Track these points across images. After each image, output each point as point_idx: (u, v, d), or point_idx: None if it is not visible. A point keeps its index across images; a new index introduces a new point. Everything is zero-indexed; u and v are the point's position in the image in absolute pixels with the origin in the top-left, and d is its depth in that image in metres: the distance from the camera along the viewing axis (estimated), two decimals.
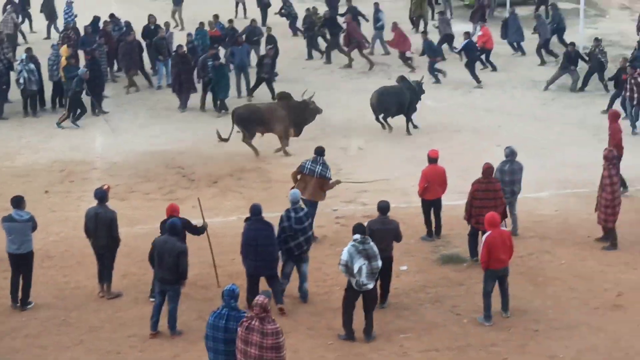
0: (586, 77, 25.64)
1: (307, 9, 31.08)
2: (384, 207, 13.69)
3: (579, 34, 30.10)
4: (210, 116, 23.93)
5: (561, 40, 29.63)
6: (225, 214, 17.23)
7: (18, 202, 13.92)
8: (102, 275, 14.30)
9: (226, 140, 20.86)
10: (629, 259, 15.33)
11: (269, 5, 33.91)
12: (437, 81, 26.74)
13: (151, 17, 28.53)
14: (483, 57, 27.97)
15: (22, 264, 13.89)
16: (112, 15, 29.07)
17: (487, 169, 15.20)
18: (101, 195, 14.12)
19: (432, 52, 27.20)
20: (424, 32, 28.61)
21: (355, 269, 12.34)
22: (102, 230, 13.90)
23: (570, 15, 35.08)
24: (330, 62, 29.10)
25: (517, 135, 21.60)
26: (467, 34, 27.94)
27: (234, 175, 19.65)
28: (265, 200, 17.16)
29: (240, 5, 35.08)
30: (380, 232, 13.32)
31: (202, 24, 28.12)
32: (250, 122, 21.02)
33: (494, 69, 28.07)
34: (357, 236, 12.47)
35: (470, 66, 26.65)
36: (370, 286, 12.56)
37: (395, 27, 28.66)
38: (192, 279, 14.04)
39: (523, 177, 16.21)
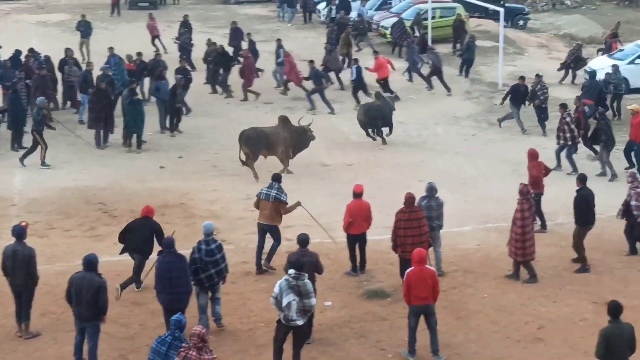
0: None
1: (208, 40, 31.43)
2: (303, 240, 13.86)
3: (498, 71, 30.77)
4: (133, 151, 23.65)
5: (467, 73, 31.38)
6: None
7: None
8: (20, 314, 13.93)
9: (244, 162, 21.66)
10: (549, 292, 15.60)
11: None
12: (332, 111, 27.64)
13: (68, 51, 28.25)
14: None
15: None
16: (31, 50, 28.64)
17: (409, 199, 15.49)
18: (19, 232, 13.80)
19: (317, 79, 27.97)
20: (311, 61, 29.08)
21: (284, 303, 12.34)
22: (20, 269, 13.55)
23: (489, 53, 35.92)
24: (231, 96, 29.19)
25: (439, 170, 21.90)
26: (355, 60, 29.34)
27: (156, 212, 19.32)
28: (188, 236, 17.05)
29: (158, 41, 34.77)
30: (306, 263, 13.33)
31: (120, 58, 27.75)
32: (257, 144, 21.69)
33: (396, 97, 28.80)
34: (292, 271, 12.48)
35: (353, 91, 28.54)
36: (300, 322, 12.50)
37: (287, 55, 29.35)
38: (112, 317, 13.80)
39: (446, 211, 16.37)
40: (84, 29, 34.18)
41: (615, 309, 11.39)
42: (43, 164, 22.35)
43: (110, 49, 28.19)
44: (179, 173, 22.08)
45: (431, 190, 16.03)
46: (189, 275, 13.48)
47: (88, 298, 12.50)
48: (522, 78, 26.24)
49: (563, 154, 22.28)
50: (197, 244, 13.95)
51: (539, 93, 25.38)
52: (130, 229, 15.03)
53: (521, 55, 36.68)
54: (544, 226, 18.52)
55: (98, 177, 21.63)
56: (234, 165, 22.12)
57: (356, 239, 16.21)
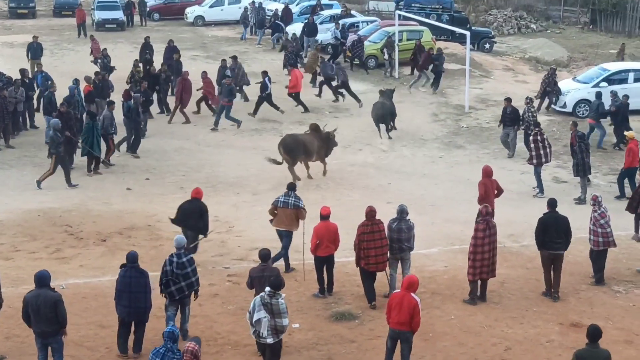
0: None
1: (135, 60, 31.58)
2: (264, 255, 14.16)
3: (464, 94, 31.02)
4: (103, 174, 23.48)
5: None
6: (113, 273, 16.65)
7: None
8: None
9: (280, 163, 22.95)
10: (515, 313, 15.68)
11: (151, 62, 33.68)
12: (238, 125, 28.28)
13: (25, 71, 28.20)
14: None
15: None
16: None
17: (370, 212, 15.87)
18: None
19: (229, 95, 28.19)
20: (228, 77, 29.53)
21: (254, 319, 12.68)
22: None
23: (456, 76, 36.23)
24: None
25: (406, 192, 22.00)
26: (264, 73, 29.85)
27: (123, 234, 19.28)
28: (155, 259, 16.99)
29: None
30: (261, 279, 13.76)
31: (76, 80, 27.49)
32: (296, 151, 23.03)
33: (305, 109, 30.05)
34: (268, 289, 12.77)
35: (259, 100, 29.48)
36: (269, 340, 12.78)
37: (204, 76, 29.42)
38: (78, 340, 13.68)
39: (414, 233, 16.43)
40: (34, 50, 34.27)
41: (594, 333, 11.51)
42: (39, 183, 22.42)
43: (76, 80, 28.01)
44: (146, 195, 21.98)
45: (402, 212, 16.07)
46: (149, 292, 13.61)
47: (47, 313, 12.53)
48: (508, 100, 26.06)
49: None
50: (168, 256, 14.12)
51: (525, 116, 25.12)
52: (182, 209, 16.85)
53: (488, 78, 37.02)
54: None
55: (64, 198, 21.46)
56: (201, 187, 21.92)
57: (323, 261, 16.24)
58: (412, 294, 13.07)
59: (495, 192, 19.16)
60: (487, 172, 19.16)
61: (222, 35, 45.72)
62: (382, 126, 27.25)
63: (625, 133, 23.94)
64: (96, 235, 19.03)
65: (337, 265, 16.52)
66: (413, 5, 45.80)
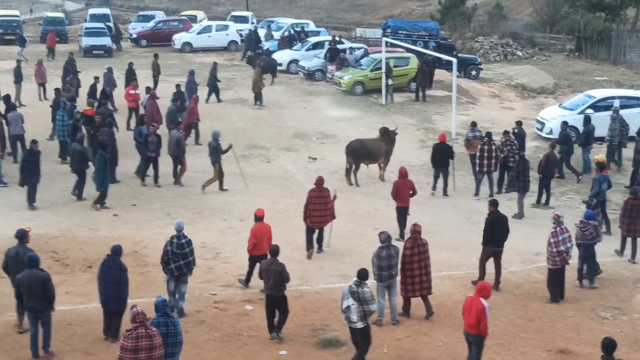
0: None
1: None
2: (273, 250, 15.38)
3: (451, 120, 31.15)
4: (88, 200, 23.37)
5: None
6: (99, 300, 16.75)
7: None
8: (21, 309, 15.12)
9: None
10: (503, 340, 15.65)
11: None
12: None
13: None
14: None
15: None
16: None
17: (319, 180, 19.59)
18: (21, 235, 15.53)
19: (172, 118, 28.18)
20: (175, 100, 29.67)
21: (344, 306, 13.90)
22: (21, 268, 14.55)
23: (443, 102, 36.43)
24: None
25: (393, 218, 21.91)
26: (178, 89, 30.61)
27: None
28: (142, 285, 16.95)
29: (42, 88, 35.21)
30: (267, 272, 15.09)
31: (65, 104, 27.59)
32: (361, 155, 25.15)
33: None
34: (354, 279, 13.93)
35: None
36: (359, 325, 13.91)
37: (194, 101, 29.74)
38: None
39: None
40: (17, 75, 34.65)
41: (609, 346, 11.52)
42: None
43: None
44: (133, 221, 21.90)
45: (388, 239, 16.16)
46: (125, 284, 14.84)
47: (37, 291, 13.99)
48: (518, 123, 26.92)
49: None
50: (169, 238, 16.01)
51: (505, 149, 24.90)
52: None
53: (474, 104, 37.21)
54: (402, 235, 20.07)
55: (50, 225, 21.36)
56: (188, 214, 22.04)
57: (259, 260, 16.76)
58: (481, 299, 13.58)
59: (410, 192, 20.90)
60: (402, 174, 21.00)
61: (209, 61, 45.70)
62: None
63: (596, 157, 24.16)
64: (82, 262, 18.92)
65: (324, 291, 16.51)
66: (400, 32, 46.08)
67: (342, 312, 14.07)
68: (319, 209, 19.33)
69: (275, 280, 15.06)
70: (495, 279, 17.88)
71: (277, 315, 15.41)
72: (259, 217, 17.34)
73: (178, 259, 15.87)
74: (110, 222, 21.80)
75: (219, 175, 24.35)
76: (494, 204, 18.24)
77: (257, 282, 17.69)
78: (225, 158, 24.68)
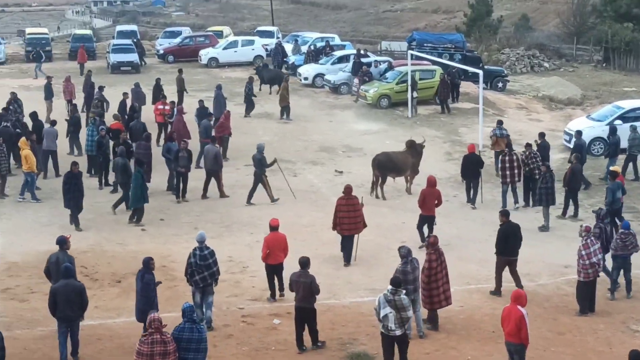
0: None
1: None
2: (303, 262, 15.39)
3: (478, 133, 31.02)
4: (115, 215, 23.52)
5: None
6: (128, 314, 16.78)
7: None
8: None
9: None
10: (534, 353, 15.47)
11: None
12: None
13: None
14: None
15: None
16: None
17: (348, 188, 20.03)
18: (61, 241, 16.22)
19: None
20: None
21: (382, 315, 13.94)
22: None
23: (469, 115, 36.33)
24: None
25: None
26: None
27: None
28: (170, 299, 16.99)
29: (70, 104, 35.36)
30: (297, 283, 15.18)
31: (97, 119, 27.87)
32: (387, 168, 25.20)
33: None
34: (390, 287, 14.01)
35: None
36: (399, 332, 13.99)
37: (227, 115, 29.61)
38: None
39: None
40: (47, 92, 35.12)
41: (636, 358, 11.58)
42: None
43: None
44: (160, 235, 21.99)
45: (409, 253, 16.14)
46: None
47: (74, 300, 14.50)
48: (541, 135, 26.95)
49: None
50: (192, 250, 16.20)
51: (528, 162, 24.72)
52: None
53: (501, 116, 37.03)
54: (423, 240, 20.36)
55: (79, 240, 21.47)
56: (215, 227, 22.11)
57: (274, 269, 17.55)
58: (519, 307, 13.67)
59: (436, 201, 21.05)
60: (431, 182, 21.31)
61: (235, 76, 46.04)
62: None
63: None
64: (111, 276, 19.04)
65: (352, 305, 16.46)
66: (425, 45, 46.03)
67: (379, 321, 14.08)
68: (348, 217, 19.81)
69: (305, 292, 15.16)
70: (517, 286, 17.79)
71: (306, 329, 15.39)
72: (273, 227, 17.74)
73: (202, 270, 16.10)
74: (138, 236, 21.91)
75: (252, 189, 24.59)
76: (505, 214, 18.53)
77: (287, 295, 17.72)
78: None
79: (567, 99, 41.63)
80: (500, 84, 43.73)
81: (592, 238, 17.38)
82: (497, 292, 18.24)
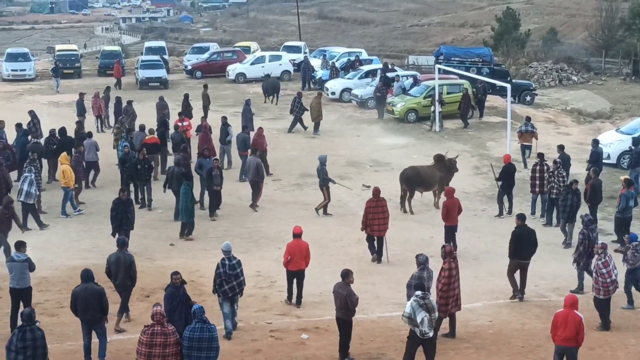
0: None
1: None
2: (343, 274, 15.45)
3: (506, 147, 30.93)
4: (144, 229, 23.62)
5: None
6: None
7: (18, 245, 16.73)
8: (122, 308, 17.04)
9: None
10: None
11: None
12: None
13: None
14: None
15: (21, 297, 16.47)
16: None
17: (376, 190, 21.18)
18: (122, 242, 17.23)
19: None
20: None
21: (419, 320, 14.18)
22: (122, 272, 16.71)
23: (497, 129, 36.20)
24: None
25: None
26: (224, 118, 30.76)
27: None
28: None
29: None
30: (336, 294, 15.32)
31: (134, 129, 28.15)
32: (415, 182, 25.25)
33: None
34: (419, 292, 14.38)
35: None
36: (431, 334, 14.40)
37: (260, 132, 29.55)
38: None
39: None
40: (79, 108, 35.58)
41: None
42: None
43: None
44: (189, 250, 22.07)
45: (427, 260, 16.44)
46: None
47: (94, 304, 14.86)
48: (560, 147, 26.90)
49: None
50: (220, 260, 16.52)
51: (551, 179, 24.39)
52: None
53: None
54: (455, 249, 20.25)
55: (107, 254, 21.56)
56: (243, 242, 22.14)
57: (294, 275, 18.09)
58: (576, 311, 14.07)
59: (457, 210, 21.57)
60: (450, 193, 21.76)
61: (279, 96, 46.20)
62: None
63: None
64: (140, 291, 19.09)
65: (380, 320, 16.43)
66: (452, 59, 45.99)
67: (413, 326, 14.31)
68: (377, 218, 20.87)
69: (341, 303, 15.27)
70: (520, 290, 18.62)
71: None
72: (296, 235, 18.18)
73: (231, 279, 16.40)
74: (166, 251, 22.00)
75: (326, 198, 24.99)
76: (520, 217, 19.06)
77: (311, 311, 17.71)
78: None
79: (595, 113, 41.40)
80: (528, 98, 43.58)
81: (610, 255, 17.39)
82: (514, 296, 18.56)
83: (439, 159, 25.99)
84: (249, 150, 28.28)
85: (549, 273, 18.96)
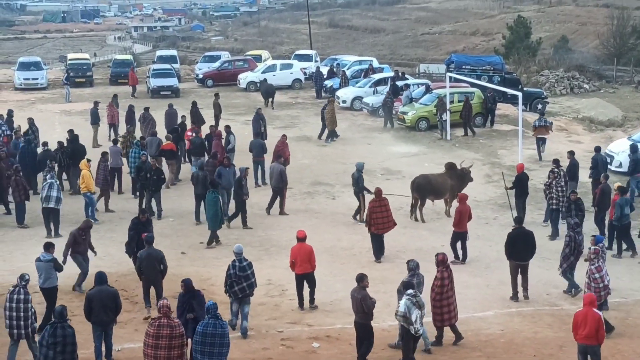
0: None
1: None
2: (358, 278, 15.64)
3: (517, 155, 30.87)
4: (155, 238, 23.55)
5: None
6: None
7: (47, 246, 17.74)
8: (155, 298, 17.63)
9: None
10: None
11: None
12: None
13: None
14: None
15: (48, 296, 17.35)
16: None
17: (378, 190, 22.08)
18: (150, 239, 18.04)
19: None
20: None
21: (413, 318, 14.73)
22: (153, 267, 17.60)
23: (509, 137, 36.14)
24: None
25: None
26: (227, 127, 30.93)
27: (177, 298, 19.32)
28: None
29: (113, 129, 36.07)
30: (353, 298, 15.55)
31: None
32: (426, 191, 25.32)
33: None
34: (410, 291, 14.95)
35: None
36: (421, 331, 15.11)
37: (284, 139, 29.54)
38: None
39: (468, 296, 16.32)
40: (93, 117, 35.70)
41: None
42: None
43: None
44: (200, 259, 22.09)
45: (418, 266, 16.66)
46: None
47: (109, 305, 15.39)
48: (570, 153, 27.11)
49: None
50: (231, 262, 17.03)
51: (549, 190, 24.38)
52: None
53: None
54: (463, 259, 21.65)
55: (119, 263, 21.62)
56: (254, 251, 22.13)
57: (302, 278, 18.39)
58: (594, 309, 14.46)
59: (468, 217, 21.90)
60: (463, 199, 22.16)
61: (274, 100, 46.24)
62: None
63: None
64: (151, 300, 19.09)
65: (391, 328, 16.37)
66: (464, 67, 45.96)
67: (407, 325, 14.81)
68: (381, 217, 21.72)
69: (357, 307, 15.43)
70: (523, 290, 19.10)
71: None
72: (300, 238, 18.53)
73: (241, 281, 16.84)
74: (178, 259, 22.00)
75: (362, 206, 24.96)
76: (517, 220, 20.15)
77: (322, 320, 17.69)
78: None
79: (607, 121, 41.28)
80: (539, 106, 43.43)
81: (602, 260, 17.50)
82: (514, 297, 19.05)
83: (451, 167, 25.95)
84: (264, 156, 28.55)
85: (561, 282, 18.89)
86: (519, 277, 19.15)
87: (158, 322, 13.86)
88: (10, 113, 34.07)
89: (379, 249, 21.85)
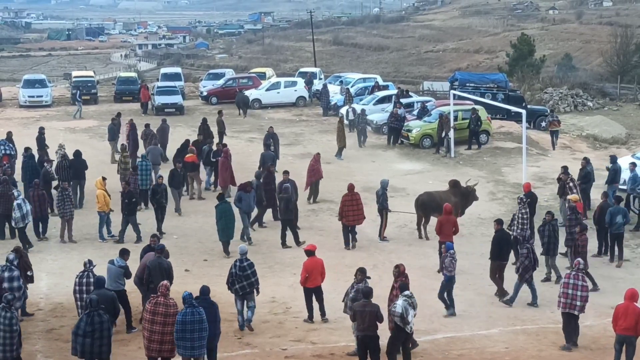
0: None
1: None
2: (366, 292, 15.88)
3: (522, 172, 30.87)
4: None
5: None
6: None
7: (122, 252, 18.60)
8: None
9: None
10: None
11: None
12: None
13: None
14: None
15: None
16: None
17: (350, 185, 24.46)
18: (162, 248, 18.60)
19: None
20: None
21: (410, 319, 15.45)
22: (162, 275, 17.66)
23: (512, 154, 36.15)
24: None
25: (465, 272, 21.75)
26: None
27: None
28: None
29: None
30: (363, 313, 15.52)
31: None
32: (430, 208, 25.34)
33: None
34: (407, 292, 15.69)
35: None
36: (413, 329, 15.87)
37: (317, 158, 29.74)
38: None
39: (474, 313, 16.26)
40: (111, 133, 35.72)
41: None
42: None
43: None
44: (204, 276, 22.01)
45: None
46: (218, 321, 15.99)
47: (108, 308, 15.62)
48: (585, 160, 27.91)
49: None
50: (234, 262, 18.25)
51: (513, 219, 23.61)
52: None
53: (545, 156, 36.83)
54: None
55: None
56: (258, 268, 21.93)
57: (312, 292, 18.65)
58: (635, 303, 15.45)
59: (453, 229, 22.17)
60: (447, 211, 22.42)
61: (278, 117, 46.36)
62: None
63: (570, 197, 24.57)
64: None
65: None
66: (468, 84, 46.03)
67: (404, 324, 15.44)
68: (352, 210, 24.02)
69: (371, 320, 15.55)
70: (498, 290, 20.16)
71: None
72: (311, 252, 18.90)
73: (241, 280, 18.00)
74: (182, 277, 21.94)
75: (384, 223, 25.24)
76: (499, 222, 20.81)
77: (326, 337, 17.65)
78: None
79: (611, 138, 41.29)
80: (543, 123, 43.49)
81: (582, 273, 17.61)
82: (502, 294, 19.91)
83: (455, 184, 25.97)
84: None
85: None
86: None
87: (155, 299, 15.09)
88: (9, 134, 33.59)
89: (348, 239, 24.05)
